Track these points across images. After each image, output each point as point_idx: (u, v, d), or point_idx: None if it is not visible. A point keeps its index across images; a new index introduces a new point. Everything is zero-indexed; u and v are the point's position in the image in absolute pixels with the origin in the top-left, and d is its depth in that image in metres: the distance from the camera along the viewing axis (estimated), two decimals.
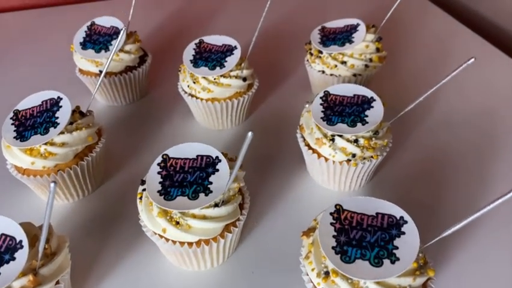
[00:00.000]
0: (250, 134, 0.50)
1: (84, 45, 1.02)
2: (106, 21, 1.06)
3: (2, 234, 0.59)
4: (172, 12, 1.50)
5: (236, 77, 0.94)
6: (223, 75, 0.92)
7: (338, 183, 0.83)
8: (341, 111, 0.79)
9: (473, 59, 0.66)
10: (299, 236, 0.73)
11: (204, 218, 0.64)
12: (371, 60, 1.00)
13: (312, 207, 0.82)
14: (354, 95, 0.82)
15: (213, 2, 1.57)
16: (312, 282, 0.59)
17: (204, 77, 0.92)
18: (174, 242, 0.65)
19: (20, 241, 0.58)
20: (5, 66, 1.25)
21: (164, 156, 0.70)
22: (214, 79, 0.92)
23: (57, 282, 0.61)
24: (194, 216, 0.64)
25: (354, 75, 0.99)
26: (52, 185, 0.46)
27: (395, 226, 0.58)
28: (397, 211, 0.60)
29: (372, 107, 0.79)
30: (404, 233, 0.57)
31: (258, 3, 1.53)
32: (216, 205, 0.65)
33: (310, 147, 0.81)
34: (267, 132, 1.01)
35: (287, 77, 1.17)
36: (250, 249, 0.75)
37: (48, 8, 1.56)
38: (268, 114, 1.06)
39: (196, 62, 0.94)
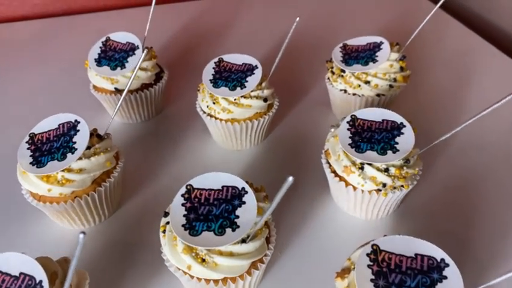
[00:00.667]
0: (291, 179, 0.47)
1: (99, 61, 0.99)
2: (121, 37, 1.03)
3: (21, 273, 0.56)
4: (184, 25, 1.47)
5: (257, 97, 0.91)
6: (243, 96, 0.90)
7: (365, 212, 0.80)
8: (370, 138, 0.76)
9: None
10: (329, 269, 0.70)
11: (230, 255, 0.61)
12: (395, 80, 0.96)
13: (338, 236, 0.79)
14: (383, 120, 0.79)
15: (224, 14, 1.54)
16: None
17: (224, 98, 0.89)
18: (199, 279, 0.62)
19: (40, 281, 0.55)
20: (14, 76, 1.23)
21: (189, 187, 0.67)
22: (235, 100, 0.90)
23: None
24: (220, 253, 0.61)
25: (378, 95, 0.96)
26: (81, 236, 0.43)
27: (436, 269, 0.55)
28: (437, 252, 0.56)
29: (403, 133, 0.76)
30: (446, 278, 0.54)
31: (270, 15, 1.52)
32: (243, 241, 0.62)
33: (337, 175, 0.78)
34: (287, 153, 0.98)
35: (305, 95, 1.14)
36: (275, 282, 0.72)
37: (59, 17, 1.54)
38: (287, 134, 1.03)
39: (216, 82, 0.91)
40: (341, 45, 1.03)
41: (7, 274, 0.56)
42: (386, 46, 0.98)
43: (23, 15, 1.56)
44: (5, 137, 1.03)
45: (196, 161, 0.96)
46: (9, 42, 1.40)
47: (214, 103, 0.90)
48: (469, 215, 0.82)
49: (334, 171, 0.79)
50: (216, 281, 0.62)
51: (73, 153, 0.73)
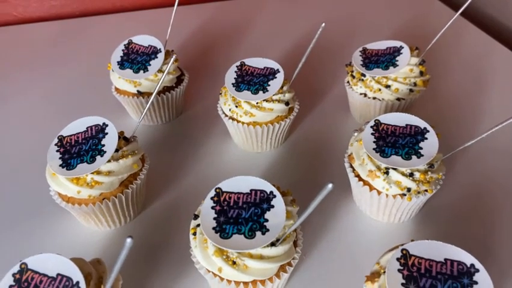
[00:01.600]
0: (330, 185, 0.48)
1: (122, 64, 1.01)
2: (143, 40, 1.04)
3: (58, 274, 0.57)
4: (202, 26, 1.49)
5: (278, 101, 0.92)
6: (265, 100, 0.91)
7: (387, 216, 0.81)
8: (394, 143, 0.77)
9: None
10: (353, 271, 0.71)
11: (261, 258, 0.62)
12: (415, 84, 0.97)
13: (362, 239, 0.80)
14: (407, 125, 0.80)
15: (243, 15, 1.55)
16: None
17: (247, 102, 0.90)
18: (229, 281, 0.63)
19: (77, 282, 0.56)
20: (32, 79, 1.24)
21: (217, 190, 0.68)
22: (257, 103, 0.91)
23: None
24: (251, 256, 0.62)
25: (398, 99, 0.97)
26: (129, 240, 0.44)
27: (466, 274, 0.56)
28: (466, 257, 0.57)
29: (426, 138, 0.77)
30: (476, 283, 0.55)
31: (289, 18, 1.53)
32: (273, 244, 0.63)
33: (360, 179, 0.79)
34: (306, 155, 0.99)
35: (324, 98, 1.15)
36: (301, 284, 0.73)
37: (76, 18, 1.56)
38: (306, 137, 1.04)
39: (238, 86, 0.92)
40: (360, 49, 1.04)
41: (45, 275, 0.57)
42: (406, 51, 0.99)
43: (40, 16, 1.58)
44: (26, 138, 1.04)
45: (218, 163, 0.97)
46: (27, 43, 1.42)
47: (236, 106, 0.92)
48: (489, 220, 0.82)
49: (358, 176, 0.80)
50: (245, 284, 0.63)
51: (102, 155, 0.75)
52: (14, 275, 0.58)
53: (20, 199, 0.89)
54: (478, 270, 0.56)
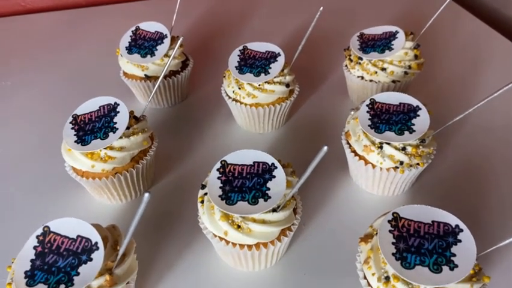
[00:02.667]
0: (325, 148, 0.53)
1: (130, 49, 1.06)
2: (150, 26, 1.09)
3: (78, 236, 0.63)
4: (205, 13, 1.53)
5: (279, 83, 0.97)
6: (267, 82, 0.95)
7: (382, 189, 0.86)
8: (388, 119, 0.82)
9: None
10: (349, 238, 0.76)
11: (263, 222, 0.68)
12: (410, 67, 1.02)
13: (357, 210, 0.85)
14: (400, 103, 0.85)
15: (245, 2, 1.59)
16: (370, 286, 0.62)
17: (249, 83, 0.95)
18: (234, 244, 0.68)
19: (96, 243, 0.62)
20: (42, 67, 1.29)
21: (223, 162, 0.73)
22: (259, 85, 0.95)
23: (128, 283, 0.64)
24: (254, 221, 0.67)
25: (393, 81, 1.02)
26: (146, 195, 0.50)
27: (451, 234, 0.61)
28: (452, 219, 0.62)
29: (419, 115, 0.82)
30: (460, 241, 0.60)
31: (290, 4, 1.57)
32: (274, 210, 0.68)
33: (356, 154, 0.84)
34: (306, 135, 1.04)
35: (323, 81, 1.20)
36: (300, 251, 0.79)
37: (84, 8, 1.60)
38: (306, 118, 1.09)
39: (241, 69, 0.97)
40: (358, 34, 1.08)
41: (66, 237, 0.63)
42: (401, 35, 1.03)
43: (47, 5, 1.62)
44: (41, 118, 1.10)
45: (222, 143, 1.02)
46: (35, 32, 1.46)
47: (239, 88, 0.96)
48: (478, 193, 0.88)
49: (354, 151, 0.85)
50: (249, 246, 0.68)
51: (114, 132, 0.80)
52: (37, 236, 0.63)
53: (38, 175, 0.95)
54: (462, 230, 0.61)
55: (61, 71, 1.27)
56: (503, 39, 1.33)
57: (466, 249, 0.59)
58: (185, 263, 0.77)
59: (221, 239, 0.69)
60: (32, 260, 0.61)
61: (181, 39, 0.85)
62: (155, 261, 0.78)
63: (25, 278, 0.59)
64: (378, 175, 0.82)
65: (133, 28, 1.09)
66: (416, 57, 1.03)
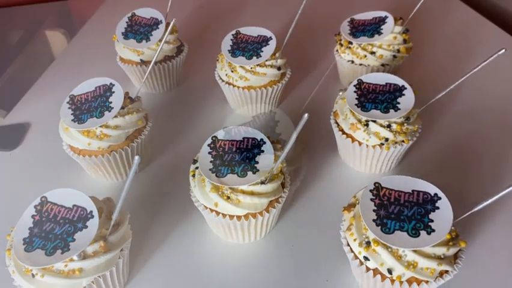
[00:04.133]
0: (306, 115, 0.56)
1: (126, 35, 1.08)
2: (145, 12, 1.12)
3: (74, 205, 0.66)
4: (200, 1, 1.56)
5: (271, 66, 0.99)
6: (259, 65, 0.98)
7: (369, 167, 0.89)
8: (374, 99, 0.85)
9: (503, 50, 0.70)
10: (335, 212, 0.79)
11: (252, 193, 0.71)
12: (398, 51, 1.04)
13: (345, 186, 0.88)
14: (386, 83, 0.87)
15: None
16: (353, 252, 0.65)
17: (242, 66, 0.98)
18: (224, 215, 0.71)
19: (91, 211, 0.65)
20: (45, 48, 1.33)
21: (214, 138, 0.76)
22: (251, 68, 0.98)
23: (121, 250, 0.67)
24: (243, 192, 0.70)
25: (383, 65, 1.04)
26: (137, 157, 0.52)
27: (429, 202, 0.64)
28: (431, 189, 0.65)
29: (404, 94, 0.85)
30: (438, 208, 0.63)
31: None
32: (263, 182, 0.71)
33: (344, 132, 0.87)
34: (298, 117, 1.06)
35: (315, 66, 1.23)
36: (289, 225, 0.82)
37: None
38: (298, 101, 1.12)
39: (233, 52, 1.00)
40: (348, 19, 1.11)
41: (62, 206, 0.66)
42: (390, 20, 1.06)
43: None
44: (39, 100, 1.13)
45: (214, 125, 1.05)
46: (34, 23, 1.49)
47: (232, 71, 0.99)
48: (462, 170, 0.91)
49: (342, 130, 0.87)
50: (239, 217, 0.71)
51: (109, 111, 0.83)
52: (35, 206, 0.66)
53: (35, 153, 0.99)
54: (440, 198, 0.64)
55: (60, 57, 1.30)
56: (490, 25, 1.36)
57: (443, 215, 0.62)
58: (179, 234, 0.80)
59: (212, 210, 0.72)
60: (30, 228, 0.64)
61: (173, 20, 0.88)
62: (149, 232, 0.81)
63: (23, 244, 0.62)
64: (364, 152, 0.85)
65: (129, 14, 1.12)
66: (405, 41, 1.06)
